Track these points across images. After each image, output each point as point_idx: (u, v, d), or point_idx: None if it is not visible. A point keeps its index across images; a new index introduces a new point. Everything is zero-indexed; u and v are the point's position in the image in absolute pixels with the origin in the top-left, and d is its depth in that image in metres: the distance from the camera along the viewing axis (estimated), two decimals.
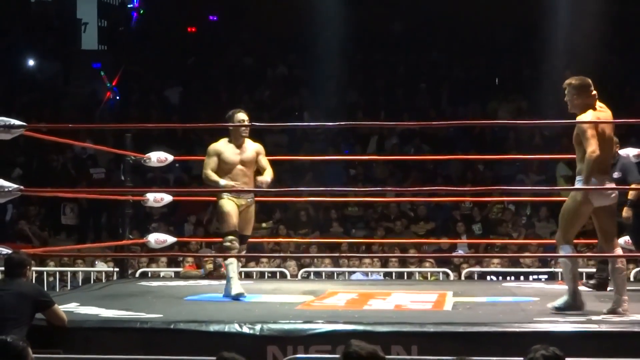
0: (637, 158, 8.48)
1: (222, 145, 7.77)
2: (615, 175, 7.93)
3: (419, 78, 18.28)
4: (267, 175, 7.73)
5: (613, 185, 6.68)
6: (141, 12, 21.53)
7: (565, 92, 6.66)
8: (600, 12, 15.66)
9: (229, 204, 7.63)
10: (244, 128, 7.74)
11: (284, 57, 19.58)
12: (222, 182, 7.59)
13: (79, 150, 15.59)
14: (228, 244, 7.59)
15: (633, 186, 7.99)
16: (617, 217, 7.35)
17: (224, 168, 7.67)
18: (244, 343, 5.68)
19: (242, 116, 7.84)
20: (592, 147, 6.35)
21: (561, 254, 6.61)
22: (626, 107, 15.23)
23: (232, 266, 7.63)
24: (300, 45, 18.29)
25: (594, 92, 6.60)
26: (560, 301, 6.52)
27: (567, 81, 6.66)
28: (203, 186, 8.49)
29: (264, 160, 7.83)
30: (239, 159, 7.71)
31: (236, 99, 17.99)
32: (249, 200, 7.75)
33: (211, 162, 7.71)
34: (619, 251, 6.67)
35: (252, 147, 7.80)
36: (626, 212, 8.11)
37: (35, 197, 13.61)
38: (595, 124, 6.42)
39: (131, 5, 21.54)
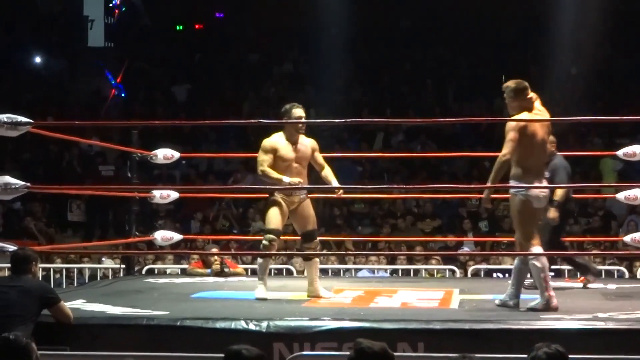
0: None
1: (278, 141, 7.40)
2: (546, 174, 8.04)
3: (425, 75, 18.27)
4: (332, 177, 7.54)
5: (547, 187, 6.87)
6: (123, 9, 21.47)
7: (504, 94, 6.84)
8: (606, 9, 15.65)
9: (277, 205, 7.32)
10: (301, 124, 7.41)
11: (289, 54, 19.60)
12: (287, 179, 7.24)
13: (86, 147, 15.62)
14: (266, 242, 7.30)
15: (557, 191, 8.08)
16: (544, 218, 7.63)
17: (280, 165, 7.32)
18: (250, 340, 5.63)
19: (299, 112, 7.49)
20: (505, 151, 6.59)
21: (532, 256, 6.67)
22: (631, 103, 15.23)
23: (262, 266, 7.44)
24: (306, 42, 18.30)
25: (530, 95, 6.77)
26: (534, 302, 6.61)
27: (505, 84, 6.85)
28: (208, 183, 8.40)
29: (320, 157, 7.58)
30: (295, 155, 7.38)
31: (242, 96, 18.03)
32: (301, 196, 7.44)
33: (268, 159, 7.31)
34: (538, 249, 6.76)
35: (307, 143, 7.49)
36: (553, 213, 8.14)
37: (42, 194, 13.63)
38: (525, 128, 6.58)
39: (112, 4, 21.49)
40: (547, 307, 6.49)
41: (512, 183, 6.65)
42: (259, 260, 7.53)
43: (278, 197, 7.36)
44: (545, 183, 6.86)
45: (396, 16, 19.73)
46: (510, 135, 6.57)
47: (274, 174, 7.28)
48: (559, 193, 8.13)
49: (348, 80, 17.56)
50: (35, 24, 20.61)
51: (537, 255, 6.66)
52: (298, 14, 18.00)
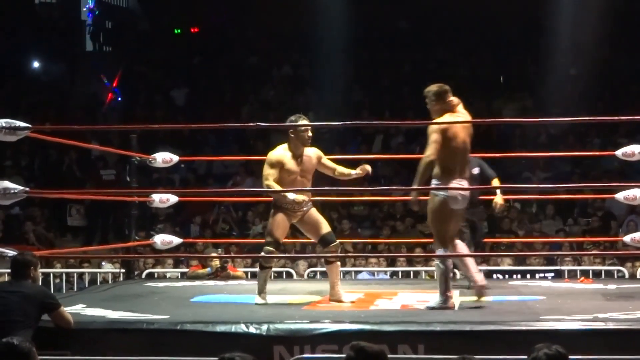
0: None
1: (283, 155, 7.27)
2: (475, 171, 8.32)
3: (425, 76, 18.21)
4: (346, 169, 7.46)
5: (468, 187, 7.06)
6: (96, 12, 21.45)
7: (426, 100, 7.01)
8: (606, 9, 15.64)
9: (281, 217, 7.26)
10: (309, 135, 7.25)
11: (289, 57, 19.60)
12: (291, 195, 7.13)
13: (85, 151, 15.60)
14: (265, 254, 7.32)
15: (495, 183, 8.54)
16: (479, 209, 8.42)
17: (285, 179, 7.22)
18: (250, 343, 5.68)
19: (305, 123, 7.33)
20: (429, 152, 6.75)
21: (437, 258, 6.93)
22: (632, 104, 15.23)
23: (263, 275, 7.37)
24: (305, 45, 18.30)
25: (452, 98, 7.01)
26: (433, 302, 6.84)
27: (427, 89, 7.04)
28: (208, 187, 8.36)
29: (328, 162, 7.47)
30: (300, 169, 7.29)
31: (241, 99, 18.03)
32: (304, 209, 7.35)
33: (274, 173, 7.19)
34: (461, 246, 7.05)
35: (311, 154, 7.38)
36: (501, 200, 8.68)
37: (41, 198, 13.63)
38: (446, 130, 6.78)
39: (87, 7, 21.46)
40: (443, 306, 6.75)
41: (434, 182, 6.84)
42: (258, 271, 7.49)
43: (282, 208, 7.31)
44: (466, 184, 6.98)
45: (396, 18, 19.74)
46: (434, 137, 6.76)
47: (279, 189, 7.19)
48: (497, 181, 8.56)
49: (348, 83, 17.56)
50: (34, 29, 20.62)
51: (541, 254, 6.69)
52: (297, 16, 18.00)
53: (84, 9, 21.51)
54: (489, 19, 18.53)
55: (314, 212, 7.44)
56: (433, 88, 7.02)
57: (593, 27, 15.68)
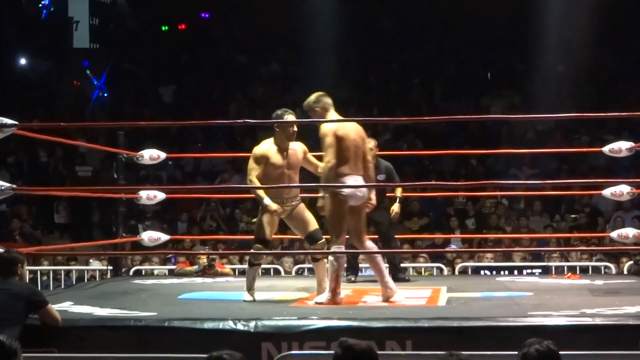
0: (630, 151, 8.48)
1: (269, 149, 7.24)
2: (381, 177, 8.64)
3: (412, 74, 18.28)
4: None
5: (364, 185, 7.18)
6: (51, 9, 21.37)
7: (309, 112, 7.17)
8: (593, 6, 15.66)
9: (270, 212, 7.23)
10: (294, 130, 7.26)
11: (276, 54, 19.59)
12: (267, 201, 7.11)
13: (70, 148, 15.58)
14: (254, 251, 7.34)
15: (398, 192, 8.95)
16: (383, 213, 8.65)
17: (272, 173, 7.21)
18: (238, 340, 5.68)
19: (292, 119, 7.32)
20: (328, 157, 6.93)
21: (332, 255, 7.07)
22: (619, 101, 15.27)
23: (251, 272, 7.36)
24: (293, 42, 18.28)
25: (329, 101, 7.14)
26: (322, 297, 7.02)
27: (305, 102, 7.20)
28: (195, 184, 8.35)
29: (312, 157, 7.45)
30: (286, 162, 7.27)
31: (229, 96, 18.01)
32: (293, 204, 7.33)
33: (258, 168, 7.18)
34: (371, 246, 7.28)
35: (297, 148, 7.36)
36: (398, 208, 8.93)
37: (28, 196, 13.59)
38: (336, 131, 6.92)
39: (42, 4, 21.35)
40: (332, 301, 6.93)
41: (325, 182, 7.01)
42: (247, 268, 7.49)
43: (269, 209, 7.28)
44: (361, 180, 7.06)
45: (383, 15, 19.74)
46: (328, 140, 6.92)
47: (258, 189, 7.18)
48: (400, 190, 8.96)
49: (335, 80, 17.55)
50: (21, 26, 20.55)
51: (528, 250, 6.69)
52: (285, 14, 17.98)
53: (40, 5, 21.38)
54: (477, 16, 18.54)
55: (303, 209, 7.43)
56: (312, 97, 7.15)
57: (580, 24, 15.71)
